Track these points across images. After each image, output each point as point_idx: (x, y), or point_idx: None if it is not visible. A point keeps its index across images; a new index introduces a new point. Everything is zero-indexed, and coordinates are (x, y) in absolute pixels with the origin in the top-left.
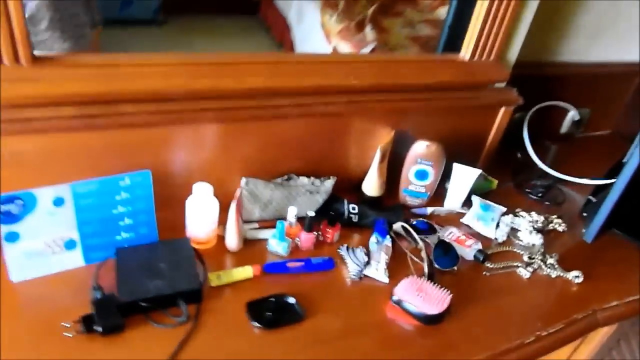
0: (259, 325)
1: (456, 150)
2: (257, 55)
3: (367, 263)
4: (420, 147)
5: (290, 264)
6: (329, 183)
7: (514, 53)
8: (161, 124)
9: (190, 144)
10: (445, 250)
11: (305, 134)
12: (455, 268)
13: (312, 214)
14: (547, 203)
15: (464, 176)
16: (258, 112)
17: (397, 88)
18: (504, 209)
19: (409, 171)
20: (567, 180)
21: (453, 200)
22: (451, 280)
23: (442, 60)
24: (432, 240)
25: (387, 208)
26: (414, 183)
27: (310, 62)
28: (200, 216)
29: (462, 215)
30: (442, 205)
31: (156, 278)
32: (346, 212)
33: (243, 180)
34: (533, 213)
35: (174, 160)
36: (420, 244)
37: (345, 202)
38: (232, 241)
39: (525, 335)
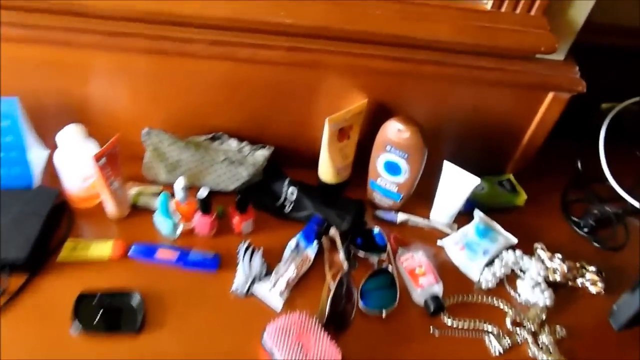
0: (79, 325)
1: (471, 142)
2: None
3: (265, 275)
4: (390, 130)
5: (161, 253)
6: (261, 154)
7: (581, 8)
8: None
9: (79, 75)
10: (382, 282)
11: (232, 83)
12: (384, 313)
13: (204, 192)
14: (595, 244)
15: (457, 181)
16: (154, 44)
17: (366, 37)
18: (514, 241)
19: (377, 160)
20: None
21: (439, 211)
22: (372, 330)
23: (443, 6)
24: (373, 261)
25: (341, 202)
26: (383, 176)
27: None
28: (69, 167)
29: (445, 234)
30: (425, 215)
31: None
32: (282, 196)
33: (144, 131)
34: (559, 255)
35: (68, 92)
36: (345, 265)
37: (286, 182)
38: (108, 205)
39: None
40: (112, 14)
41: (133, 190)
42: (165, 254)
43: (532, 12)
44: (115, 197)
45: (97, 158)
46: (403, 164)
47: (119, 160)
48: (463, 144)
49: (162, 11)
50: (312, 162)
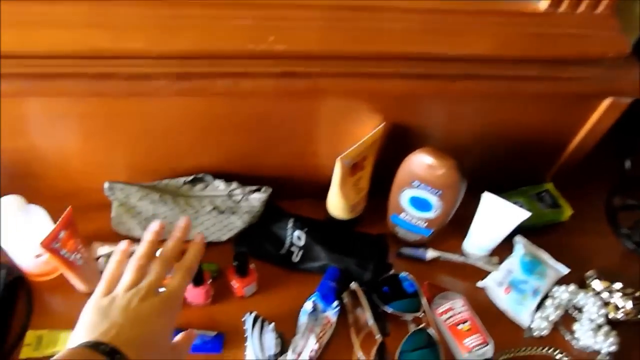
0: None
1: (506, 155)
2: None
3: (281, 353)
4: (416, 164)
5: None
6: (257, 198)
7: None
8: None
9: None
10: (419, 342)
11: (209, 120)
12: None
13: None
14: None
15: (499, 215)
16: (96, 85)
17: (380, 56)
18: (564, 271)
19: (400, 195)
20: None
21: (474, 245)
22: None
23: (482, 11)
24: (406, 319)
25: (359, 245)
26: (409, 212)
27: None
28: (14, 246)
29: (483, 274)
30: (456, 246)
31: None
32: (287, 241)
33: (105, 186)
34: (617, 286)
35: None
36: (376, 333)
37: (290, 224)
38: (74, 282)
39: None
40: (44, 51)
41: (102, 251)
42: None
43: (599, 11)
44: (81, 272)
45: (46, 244)
46: (435, 201)
47: (78, 231)
48: (497, 157)
49: (104, 47)
50: (317, 192)
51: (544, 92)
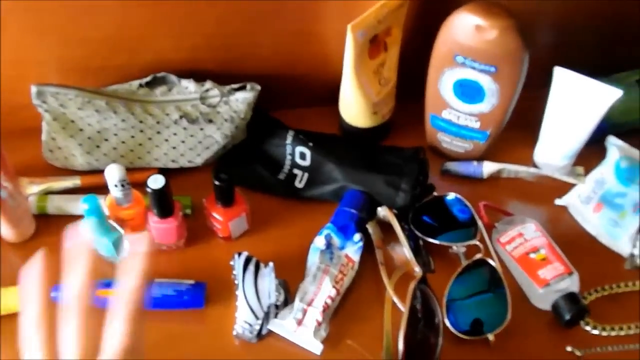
0: None
1: (589, 26)
2: None
3: (283, 303)
4: (459, 28)
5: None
6: (240, 99)
7: None
8: None
9: None
10: (477, 283)
11: None
12: (491, 336)
13: (157, 181)
14: None
15: (580, 98)
16: None
17: None
18: None
19: (440, 81)
20: None
21: (549, 150)
22: None
23: None
24: (458, 251)
25: (387, 159)
26: (454, 106)
27: None
28: None
29: (566, 187)
30: (527, 159)
31: None
32: (287, 163)
33: (33, 90)
34: None
35: None
36: (415, 267)
37: (290, 138)
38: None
39: None
40: None
41: (34, 190)
42: (109, 295)
43: None
44: (7, 213)
45: None
46: (488, 83)
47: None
48: (575, 31)
49: None
50: (328, 97)
51: None
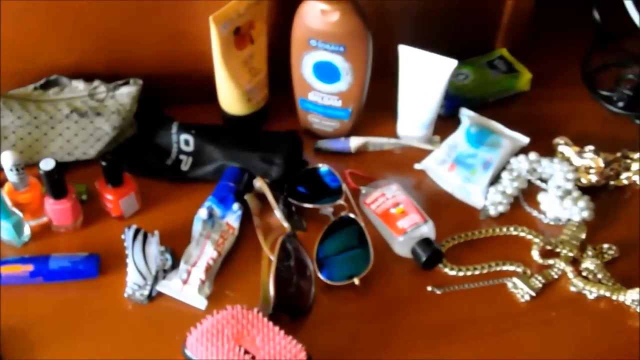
0: None
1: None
2: None
3: (172, 266)
4: (309, 14)
5: (6, 270)
6: (125, 93)
7: None
8: None
9: None
10: (345, 239)
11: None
12: (356, 280)
13: (48, 163)
14: (638, 121)
15: (423, 71)
16: None
17: None
18: (524, 142)
19: (301, 64)
20: None
21: (408, 122)
22: (344, 308)
23: None
24: (326, 212)
25: (263, 140)
26: (316, 87)
27: None
28: None
29: (425, 154)
30: (391, 132)
31: None
32: (174, 150)
33: None
34: (589, 148)
35: None
36: (285, 224)
37: (175, 128)
38: None
39: None
40: None
41: None
42: (13, 270)
43: None
44: None
45: None
46: (341, 62)
47: None
48: (427, 16)
49: None
50: (209, 92)
51: None
